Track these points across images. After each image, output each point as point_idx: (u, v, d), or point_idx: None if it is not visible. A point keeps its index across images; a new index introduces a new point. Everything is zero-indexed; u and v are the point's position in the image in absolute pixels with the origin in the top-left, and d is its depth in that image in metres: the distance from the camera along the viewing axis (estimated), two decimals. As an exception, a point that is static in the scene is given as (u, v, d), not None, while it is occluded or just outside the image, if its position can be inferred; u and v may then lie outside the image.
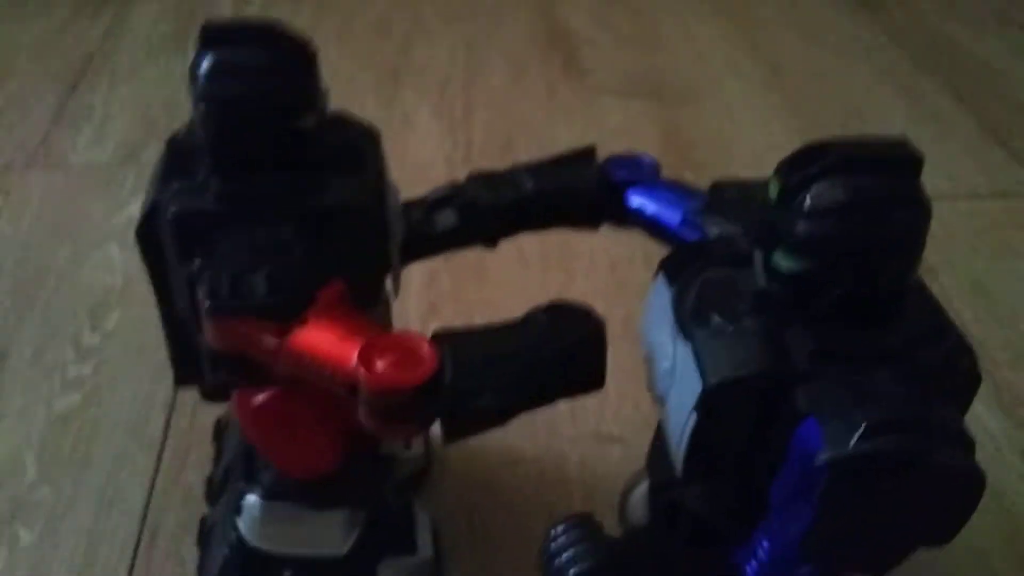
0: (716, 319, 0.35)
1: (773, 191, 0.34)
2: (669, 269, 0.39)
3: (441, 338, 0.35)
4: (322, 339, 0.36)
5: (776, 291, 0.34)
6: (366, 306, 0.43)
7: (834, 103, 0.99)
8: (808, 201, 0.33)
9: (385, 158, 0.45)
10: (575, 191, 0.47)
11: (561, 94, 0.99)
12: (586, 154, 0.48)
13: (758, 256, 0.35)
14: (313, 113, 0.40)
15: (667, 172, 0.86)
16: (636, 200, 0.46)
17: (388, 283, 0.46)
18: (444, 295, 0.73)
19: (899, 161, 0.33)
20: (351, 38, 1.09)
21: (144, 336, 0.69)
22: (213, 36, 0.40)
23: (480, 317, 0.71)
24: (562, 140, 0.91)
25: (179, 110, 0.95)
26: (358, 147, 0.43)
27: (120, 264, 0.76)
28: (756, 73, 1.04)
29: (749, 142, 0.92)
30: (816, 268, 0.33)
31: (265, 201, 0.39)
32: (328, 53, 1.04)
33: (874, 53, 1.09)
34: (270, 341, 0.36)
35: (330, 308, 0.37)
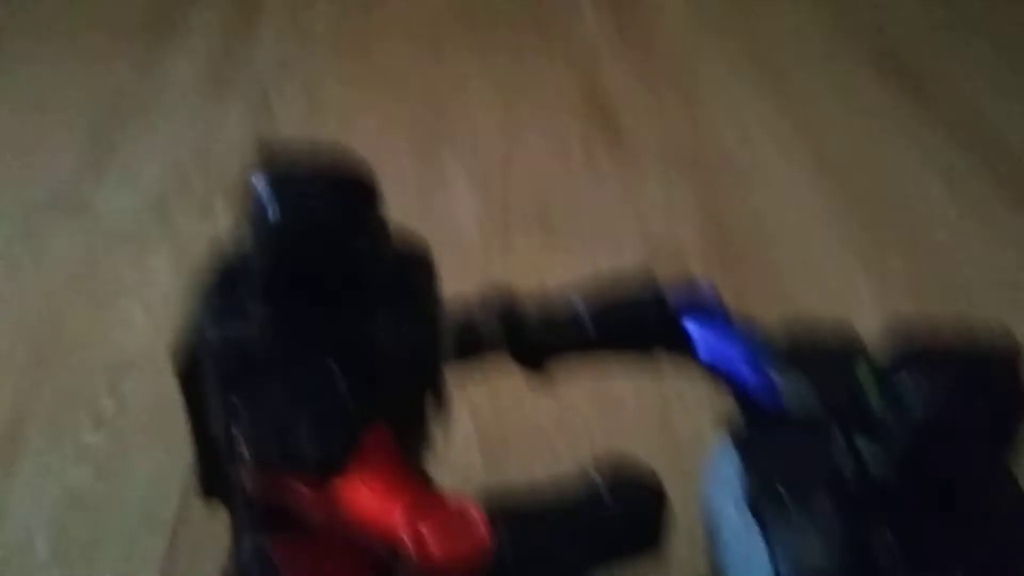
0: (790, 501, 0.33)
1: (871, 385, 0.32)
2: (737, 434, 0.36)
3: (492, 507, 0.33)
4: (365, 496, 0.34)
5: (861, 483, 0.32)
6: (411, 436, 0.41)
7: (876, 185, 0.96)
8: (913, 413, 0.30)
9: (437, 276, 0.43)
10: (633, 323, 0.44)
11: (600, 162, 0.97)
12: (644, 279, 0.46)
13: (842, 442, 0.33)
14: (370, 244, 0.38)
15: (710, 252, 0.85)
16: (697, 334, 0.43)
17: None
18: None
19: (1004, 366, 0.31)
20: (389, 94, 1.07)
21: (162, 405, 0.66)
22: (271, 161, 0.38)
23: (509, 401, 0.69)
24: (601, 214, 0.89)
25: (209, 160, 0.94)
26: (410, 270, 0.41)
27: (140, 324, 0.74)
28: (796, 144, 1.02)
29: (791, 223, 0.89)
30: (911, 472, 0.31)
31: (313, 336, 0.37)
32: (365, 111, 1.04)
33: (912, 129, 1.07)
34: (311, 493, 0.34)
35: (375, 458, 0.35)
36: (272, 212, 0.36)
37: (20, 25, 1.16)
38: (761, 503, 0.33)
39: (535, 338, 0.45)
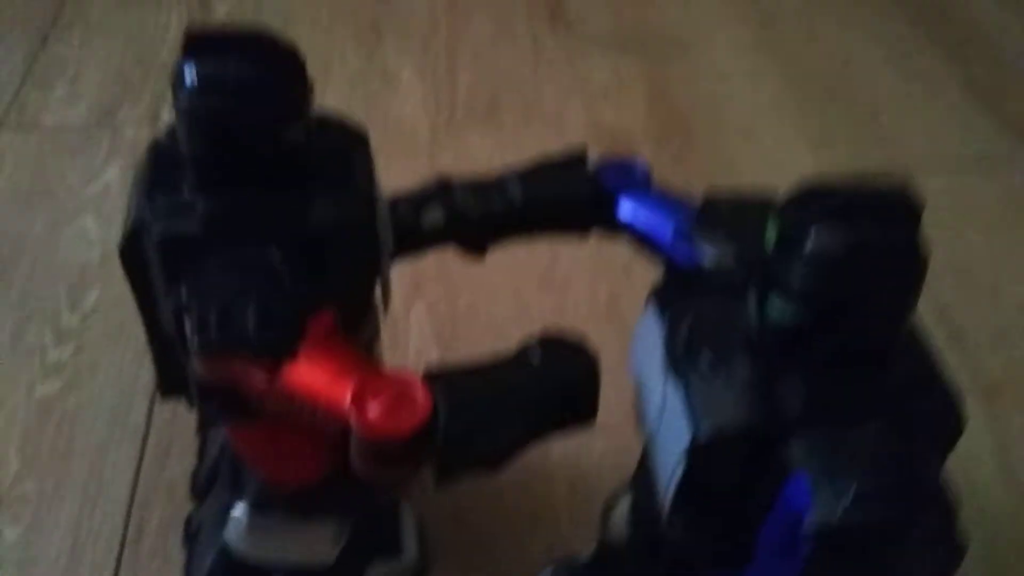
0: (707, 359, 0.35)
1: (771, 233, 0.33)
2: (660, 299, 0.38)
3: (435, 380, 0.35)
4: (314, 378, 0.35)
5: (769, 335, 0.34)
6: (357, 322, 0.43)
7: (824, 62, 0.97)
8: (806, 251, 0.32)
9: (374, 161, 0.44)
10: (566, 200, 0.46)
11: (547, 48, 0.97)
12: (577, 158, 0.47)
13: (753, 296, 0.34)
14: (301, 126, 0.39)
15: (656, 136, 0.86)
16: (627, 209, 0.45)
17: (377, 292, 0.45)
18: (427, 272, 0.72)
19: (900, 210, 0.32)
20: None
21: (124, 316, 0.67)
22: (197, 45, 0.38)
23: (465, 296, 0.71)
24: (548, 101, 0.90)
25: (153, 67, 0.93)
26: (346, 154, 0.42)
27: (97, 237, 0.74)
28: (745, 27, 1.02)
29: (739, 105, 0.90)
30: (810, 319, 0.33)
31: (253, 222, 0.38)
32: (308, 8, 1.02)
33: (864, 10, 1.07)
34: (260, 378, 0.36)
35: (321, 341, 0.36)
36: (201, 104, 0.36)
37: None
38: (681, 363, 0.35)
39: (473, 227, 0.46)
